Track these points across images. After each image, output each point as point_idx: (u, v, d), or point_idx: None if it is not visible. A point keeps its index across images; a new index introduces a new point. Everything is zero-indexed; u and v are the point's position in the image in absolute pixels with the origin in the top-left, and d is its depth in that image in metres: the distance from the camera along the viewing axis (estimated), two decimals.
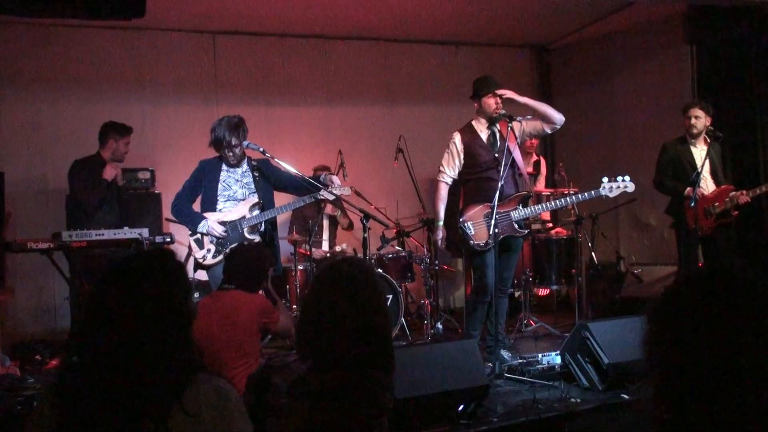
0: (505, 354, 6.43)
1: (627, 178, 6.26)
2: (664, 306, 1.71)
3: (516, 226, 6.35)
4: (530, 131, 6.51)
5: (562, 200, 6.62)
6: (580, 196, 6.50)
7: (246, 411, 2.31)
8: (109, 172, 6.90)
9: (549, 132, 6.58)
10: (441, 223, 6.63)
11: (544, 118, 6.37)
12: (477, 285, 6.48)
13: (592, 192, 6.33)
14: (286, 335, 5.31)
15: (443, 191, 6.58)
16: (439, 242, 6.71)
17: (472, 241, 6.33)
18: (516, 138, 6.41)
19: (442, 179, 6.57)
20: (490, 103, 6.36)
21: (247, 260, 5.08)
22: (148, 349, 2.15)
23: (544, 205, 6.88)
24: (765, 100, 7.89)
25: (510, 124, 6.31)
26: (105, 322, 2.16)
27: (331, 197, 6.40)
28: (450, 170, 6.53)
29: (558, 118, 6.35)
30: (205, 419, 2.17)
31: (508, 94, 6.35)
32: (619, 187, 6.24)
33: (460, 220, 6.37)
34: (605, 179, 6.26)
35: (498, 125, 6.46)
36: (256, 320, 4.85)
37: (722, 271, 1.70)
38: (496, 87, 6.40)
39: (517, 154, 6.43)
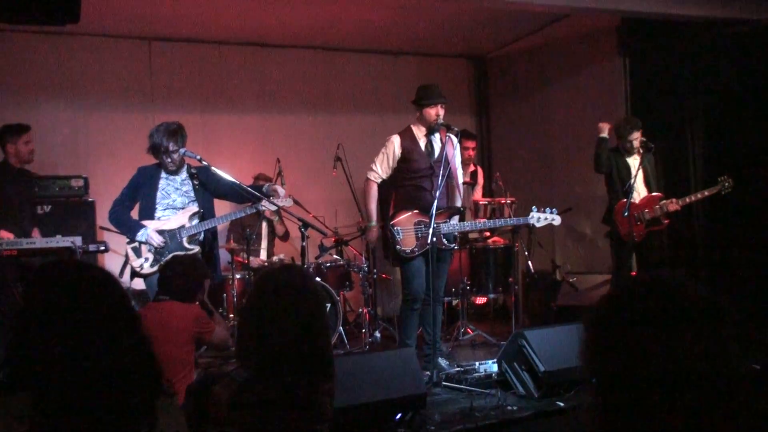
0: (443, 362, 6.46)
1: (555, 211, 6.49)
2: (601, 314, 1.71)
3: (444, 239, 6.40)
4: None
5: (491, 222, 7.10)
6: (509, 220, 6.87)
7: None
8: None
9: None
10: (374, 223, 6.67)
11: None
12: (405, 293, 6.53)
13: (521, 219, 6.66)
14: (223, 346, 5.24)
15: (374, 190, 6.60)
16: (372, 243, 6.75)
17: (398, 246, 6.35)
18: (453, 148, 6.47)
19: (372, 178, 6.57)
20: (431, 113, 6.39)
21: (182, 272, 5.00)
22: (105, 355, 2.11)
23: (473, 224, 7.04)
24: (696, 111, 8.09)
25: (448, 134, 6.36)
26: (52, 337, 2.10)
27: (273, 208, 6.36)
28: (381, 171, 6.54)
29: None
30: (162, 424, 2.15)
31: None
32: (546, 218, 6.46)
33: (390, 224, 6.40)
34: (534, 209, 6.50)
35: (437, 134, 6.50)
36: (190, 330, 4.78)
37: (660, 279, 1.70)
38: (440, 98, 6.44)
39: (454, 166, 6.48)
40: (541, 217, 6.43)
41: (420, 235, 6.29)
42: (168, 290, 4.93)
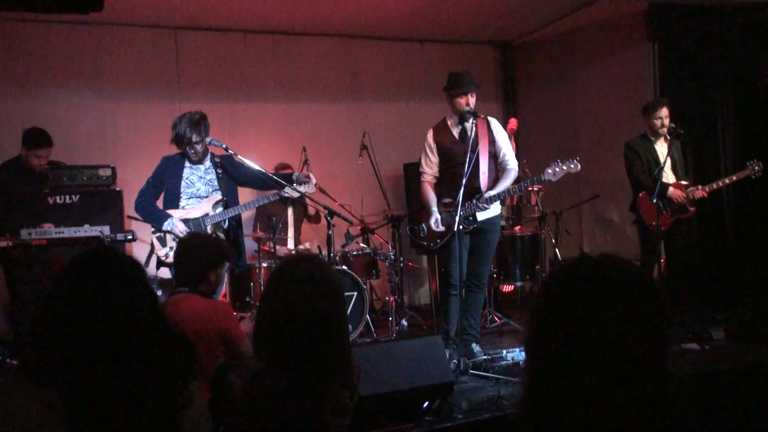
0: (476, 347, 6.42)
1: (575, 159, 6.04)
2: (538, 298, 1.73)
3: (463, 222, 6.29)
4: None
5: (505, 191, 6.35)
6: (522, 184, 6.38)
7: None
8: None
9: None
10: (434, 208, 6.41)
11: None
12: (442, 277, 6.52)
13: (535, 178, 6.26)
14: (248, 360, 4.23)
15: (425, 188, 6.53)
16: (433, 224, 6.38)
17: (424, 243, 6.48)
18: (489, 131, 6.41)
19: (424, 179, 6.55)
20: (461, 102, 6.34)
21: (190, 250, 4.50)
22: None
23: (487, 194, 6.80)
24: (725, 97, 7.97)
25: (474, 121, 6.31)
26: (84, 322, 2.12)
27: (296, 194, 6.36)
28: (428, 168, 6.52)
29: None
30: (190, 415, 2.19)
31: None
32: (563, 169, 6.04)
33: (414, 225, 6.46)
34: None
35: (472, 120, 6.44)
36: (214, 324, 4.18)
37: (588, 261, 1.72)
38: (466, 87, 6.36)
39: (484, 151, 6.40)
40: (556, 171, 6.04)
41: (443, 224, 6.31)
42: (181, 276, 4.51)
